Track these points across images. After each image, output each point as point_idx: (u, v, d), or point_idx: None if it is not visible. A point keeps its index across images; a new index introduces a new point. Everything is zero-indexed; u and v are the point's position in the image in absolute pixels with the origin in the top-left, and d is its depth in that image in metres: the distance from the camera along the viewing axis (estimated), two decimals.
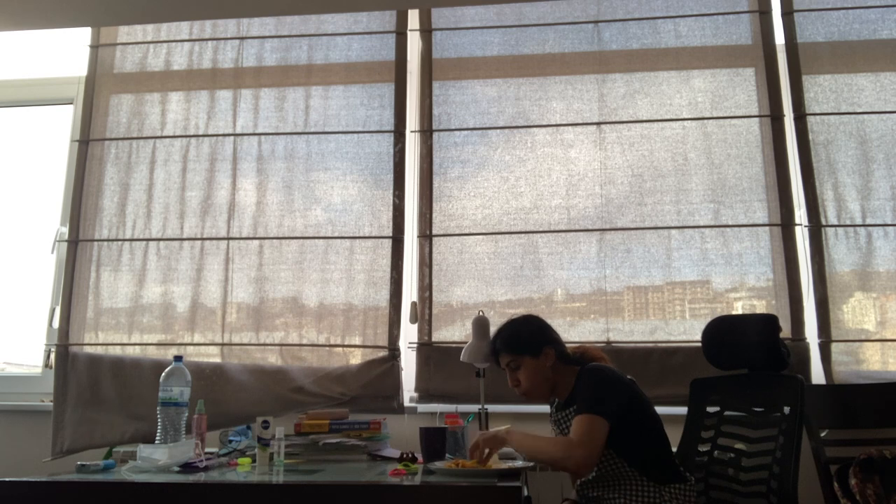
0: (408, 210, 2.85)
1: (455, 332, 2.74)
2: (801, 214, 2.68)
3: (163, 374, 2.16)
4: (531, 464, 1.88)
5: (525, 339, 2.00)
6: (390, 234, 2.81)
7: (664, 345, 2.63)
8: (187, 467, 1.85)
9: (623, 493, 1.84)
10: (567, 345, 2.08)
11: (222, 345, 2.80)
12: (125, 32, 3.12)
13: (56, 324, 2.85)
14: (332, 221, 2.86)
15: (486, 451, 1.82)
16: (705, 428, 2.20)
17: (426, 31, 2.99)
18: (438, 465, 1.86)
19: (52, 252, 3.04)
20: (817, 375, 2.52)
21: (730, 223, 2.70)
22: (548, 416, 2.09)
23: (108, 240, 2.93)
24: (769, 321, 2.06)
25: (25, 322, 3.09)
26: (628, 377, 1.95)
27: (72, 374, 2.75)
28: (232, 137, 2.97)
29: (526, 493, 2.06)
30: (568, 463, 1.75)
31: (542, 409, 2.48)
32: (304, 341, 2.77)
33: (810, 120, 2.73)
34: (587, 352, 2.07)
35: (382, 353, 2.71)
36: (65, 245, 2.93)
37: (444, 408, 2.62)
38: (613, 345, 2.65)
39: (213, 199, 2.92)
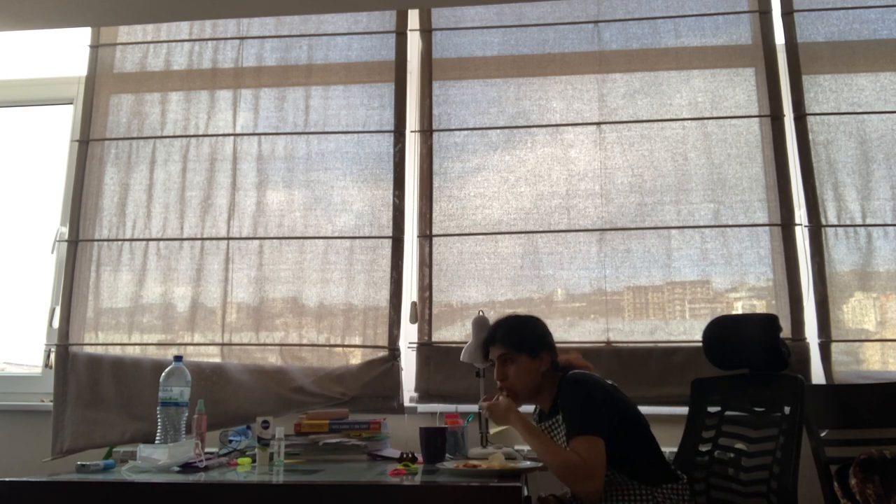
0: (408, 210, 2.85)
1: (455, 332, 2.74)
2: (801, 214, 2.68)
3: (163, 374, 2.16)
4: (539, 464, 1.87)
5: (528, 337, 1.99)
6: (390, 234, 2.81)
7: (664, 345, 2.63)
8: (187, 467, 1.85)
9: (616, 499, 1.84)
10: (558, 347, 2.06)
11: (222, 345, 2.80)
12: (125, 32, 3.12)
13: (56, 324, 2.85)
14: (331, 221, 2.86)
15: (498, 398, 1.92)
16: (706, 428, 2.20)
17: (426, 31, 2.99)
18: (446, 465, 1.86)
19: (52, 252, 3.04)
20: (817, 375, 2.52)
21: (730, 223, 2.70)
22: None
23: (108, 240, 2.93)
24: (769, 321, 2.06)
25: (25, 322, 3.09)
26: (609, 382, 1.94)
27: (72, 374, 2.75)
28: (232, 137, 2.97)
29: (526, 493, 2.06)
30: (580, 491, 1.75)
31: None
32: (304, 341, 2.77)
33: (810, 120, 2.73)
34: (570, 362, 2.04)
35: (382, 353, 2.70)
36: (65, 245, 2.93)
37: (444, 408, 2.62)
38: (613, 345, 2.65)
39: (213, 199, 2.92)
